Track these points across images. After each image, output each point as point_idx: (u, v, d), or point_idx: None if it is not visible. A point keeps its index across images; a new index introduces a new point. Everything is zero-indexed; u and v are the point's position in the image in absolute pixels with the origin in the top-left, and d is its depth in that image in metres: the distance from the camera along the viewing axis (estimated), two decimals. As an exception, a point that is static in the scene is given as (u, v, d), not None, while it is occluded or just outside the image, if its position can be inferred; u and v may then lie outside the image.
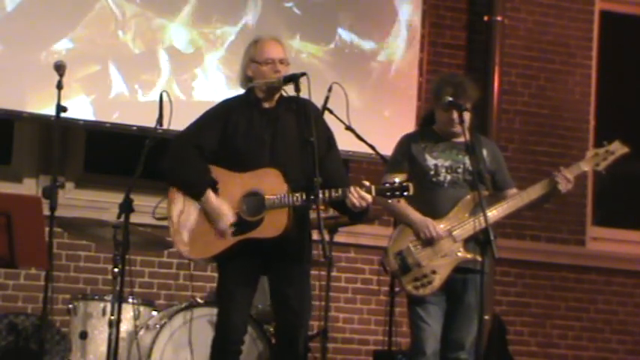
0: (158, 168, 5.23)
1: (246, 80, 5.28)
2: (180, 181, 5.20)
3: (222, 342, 5.15)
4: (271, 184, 5.08)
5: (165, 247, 6.33)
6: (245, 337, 5.21)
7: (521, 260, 8.17)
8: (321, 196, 4.94)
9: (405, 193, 5.09)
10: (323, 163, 5.03)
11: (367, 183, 5.09)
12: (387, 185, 5.11)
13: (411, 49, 7.84)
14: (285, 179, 5.08)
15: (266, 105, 5.26)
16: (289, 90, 5.19)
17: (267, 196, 5.06)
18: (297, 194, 5.04)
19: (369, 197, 5.06)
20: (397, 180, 5.14)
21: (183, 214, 5.18)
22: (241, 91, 5.34)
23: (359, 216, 5.23)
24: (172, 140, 5.28)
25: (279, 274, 5.18)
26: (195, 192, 5.15)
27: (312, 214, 5.04)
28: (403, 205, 5.42)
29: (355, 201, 5.05)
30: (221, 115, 5.26)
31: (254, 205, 5.09)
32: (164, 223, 5.32)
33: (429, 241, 5.42)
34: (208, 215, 5.13)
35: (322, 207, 4.99)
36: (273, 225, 5.06)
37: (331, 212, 5.49)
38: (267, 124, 5.21)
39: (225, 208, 5.11)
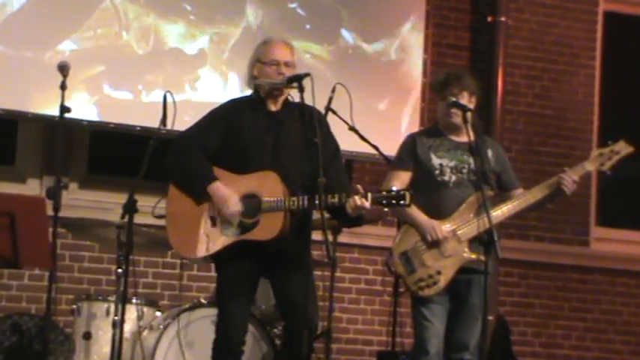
0: (161, 165, 5.22)
1: (252, 79, 5.29)
2: (185, 175, 5.18)
3: (223, 343, 5.15)
4: (270, 187, 5.07)
5: (169, 247, 6.29)
6: (247, 337, 5.21)
7: (524, 261, 8.17)
8: (318, 201, 4.91)
9: (402, 202, 5.00)
10: (327, 171, 5.00)
11: (360, 188, 5.03)
12: (384, 194, 5.03)
13: (414, 50, 7.84)
14: (284, 183, 5.07)
15: (272, 108, 5.26)
16: (296, 96, 5.19)
17: (264, 199, 5.06)
18: (294, 198, 5.03)
19: (367, 204, 5.02)
20: (394, 188, 5.07)
21: (181, 213, 5.18)
22: (248, 92, 5.36)
23: (354, 222, 5.23)
24: (176, 138, 5.28)
25: (281, 275, 5.17)
26: (201, 184, 5.12)
27: (316, 215, 5.04)
28: (409, 207, 5.41)
29: (353, 210, 5.02)
30: (225, 115, 5.27)
31: (251, 207, 5.08)
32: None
33: (435, 243, 5.42)
34: (206, 213, 5.12)
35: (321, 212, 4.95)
36: (268, 228, 5.04)
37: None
38: (271, 126, 5.20)
39: (233, 194, 5.08)
